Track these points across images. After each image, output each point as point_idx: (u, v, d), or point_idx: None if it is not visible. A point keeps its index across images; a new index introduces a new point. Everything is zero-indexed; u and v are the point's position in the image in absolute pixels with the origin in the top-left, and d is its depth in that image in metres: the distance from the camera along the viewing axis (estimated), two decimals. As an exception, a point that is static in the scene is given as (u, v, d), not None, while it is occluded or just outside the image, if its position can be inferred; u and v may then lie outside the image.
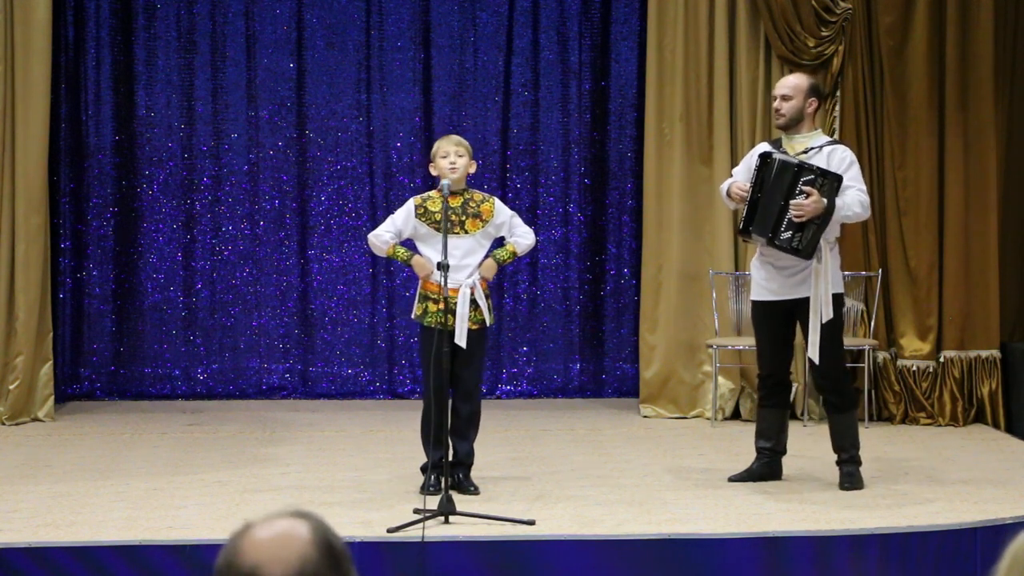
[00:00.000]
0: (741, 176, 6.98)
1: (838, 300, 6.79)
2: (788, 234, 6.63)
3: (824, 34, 8.81)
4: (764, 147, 6.96)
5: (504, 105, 9.77)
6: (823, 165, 6.72)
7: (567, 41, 9.77)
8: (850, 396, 7.06)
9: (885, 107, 8.83)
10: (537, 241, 9.67)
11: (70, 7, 9.54)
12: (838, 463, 6.90)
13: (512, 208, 9.38)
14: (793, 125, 6.86)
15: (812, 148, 6.81)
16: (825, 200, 6.60)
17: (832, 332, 6.75)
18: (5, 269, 8.67)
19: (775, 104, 6.92)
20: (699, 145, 8.96)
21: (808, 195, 6.57)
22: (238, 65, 9.68)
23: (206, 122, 9.69)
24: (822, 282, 6.67)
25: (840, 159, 6.79)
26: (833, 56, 8.82)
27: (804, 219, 6.59)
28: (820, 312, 6.67)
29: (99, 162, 9.63)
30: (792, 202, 6.58)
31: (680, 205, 8.95)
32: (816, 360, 6.70)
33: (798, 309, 6.80)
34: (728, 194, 6.94)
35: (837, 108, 8.86)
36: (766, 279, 6.87)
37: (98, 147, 9.63)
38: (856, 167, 6.86)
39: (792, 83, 6.93)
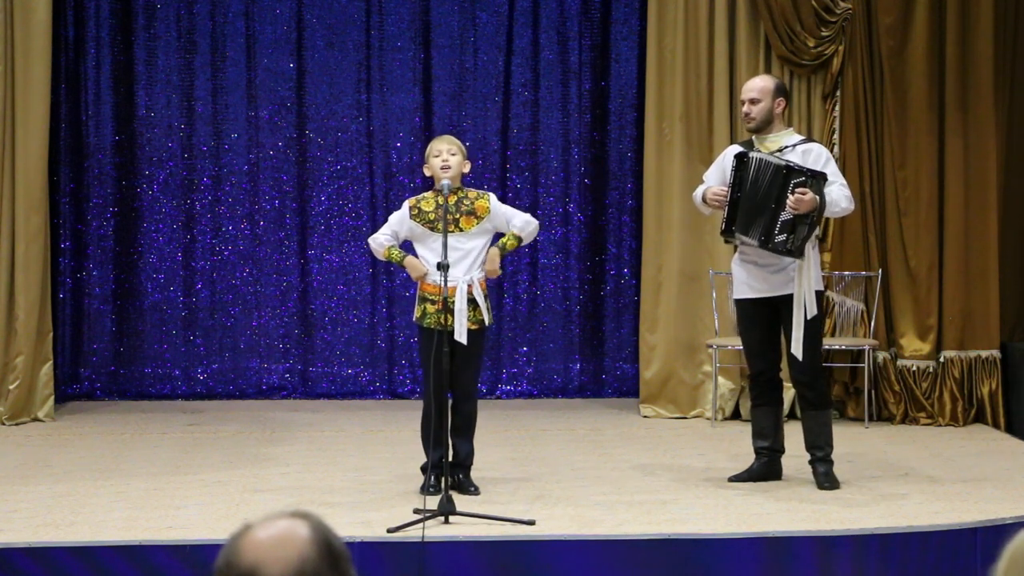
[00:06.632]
0: (714, 179, 6.95)
1: (819, 297, 6.80)
2: (783, 237, 6.61)
3: (824, 34, 8.81)
4: (736, 149, 6.91)
5: (504, 105, 9.77)
6: (799, 162, 6.71)
7: (567, 41, 9.77)
8: (826, 394, 7.12)
9: (885, 107, 8.83)
10: (537, 239, 9.80)
11: (70, 7, 9.54)
12: (812, 462, 6.90)
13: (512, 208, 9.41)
14: (764, 127, 6.83)
15: (786, 147, 6.79)
16: (818, 197, 6.59)
17: (814, 329, 6.76)
18: (5, 269, 8.68)
19: (744, 108, 6.86)
20: (699, 145, 8.96)
21: (803, 194, 6.56)
22: (238, 65, 9.68)
23: (206, 122, 9.69)
24: (805, 278, 6.67)
25: (816, 156, 6.77)
26: (833, 56, 8.83)
27: (800, 213, 6.56)
28: (804, 308, 6.67)
29: (99, 162, 9.64)
30: (788, 202, 6.56)
31: (680, 205, 8.94)
32: (799, 356, 6.70)
33: (782, 306, 6.80)
34: (704, 200, 6.91)
35: (837, 108, 8.86)
36: (750, 278, 6.86)
37: (98, 147, 9.63)
38: (833, 163, 6.86)
39: (759, 85, 6.87)
